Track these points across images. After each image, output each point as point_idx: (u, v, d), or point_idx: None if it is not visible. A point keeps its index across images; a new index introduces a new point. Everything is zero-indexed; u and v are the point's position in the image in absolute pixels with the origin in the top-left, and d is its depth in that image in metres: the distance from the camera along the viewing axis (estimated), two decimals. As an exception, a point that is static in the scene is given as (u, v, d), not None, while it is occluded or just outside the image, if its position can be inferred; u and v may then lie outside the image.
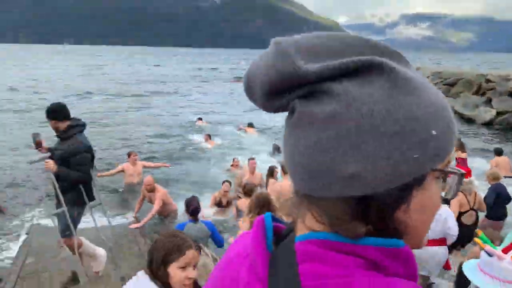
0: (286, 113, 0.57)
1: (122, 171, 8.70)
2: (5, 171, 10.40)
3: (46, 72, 45.27)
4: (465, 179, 4.58)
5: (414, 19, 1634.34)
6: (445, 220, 4.40)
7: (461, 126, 17.22)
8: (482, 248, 1.94)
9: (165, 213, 7.11)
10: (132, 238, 5.95)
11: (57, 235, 4.38)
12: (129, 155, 8.90)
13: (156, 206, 6.63)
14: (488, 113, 17.51)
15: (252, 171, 7.88)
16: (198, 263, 1.92)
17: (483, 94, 19.51)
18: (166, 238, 1.88)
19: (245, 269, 0.58)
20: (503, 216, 6.37)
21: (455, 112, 18.99)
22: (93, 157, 4.36)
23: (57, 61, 70.03)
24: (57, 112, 4.20)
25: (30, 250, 5.52)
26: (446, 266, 4.81)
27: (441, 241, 4.50)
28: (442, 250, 4.54)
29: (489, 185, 6.49)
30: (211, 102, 25.22)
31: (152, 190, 6.82)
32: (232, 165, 9.96)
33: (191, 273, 1.82)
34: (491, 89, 19.21)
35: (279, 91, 0.53)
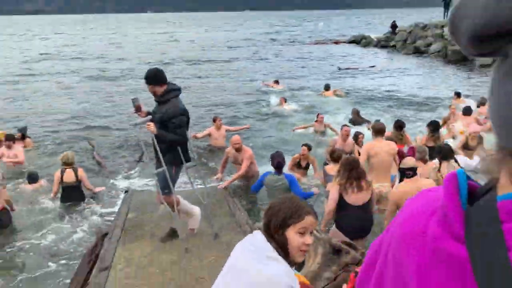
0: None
1: (209, 134, 9.10)
2: (108, 133, 11.37)
3: (130, 40, 47.85)
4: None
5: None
6: None
7: None
8: None
9: (250, 173, 7.06)
10: (221, 198, 6.20)
11: (156, 192, 4.69)
12: (214, 120, 9.28)
13: (244, 166, 6.75)
14: None
15: (345, 139, 7.67)
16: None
17: None
18: (284, 202, 1.86)
19: (434, 224, 0.54)
20: None
21: None
22: (188, 120, 4.53)
23: (140, 30, 73.40)
24: (155, 77, 4.39)
25: (130, 206, 6.00)
26: None
27: None
28: None
29: None
30: (289, 66, 25.09)
31: (239, 149, 6.90)
32: (316, 121, 10.05)
33: (308, 239, 1.80)
34: None
35: (491, 35, 0.47)
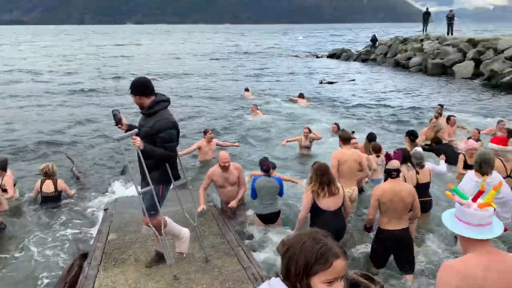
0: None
1: (199, 148, 8.71)
2: (89, 147, 10.84)
3: (112, 52, 47.13)
4: (502, 147, 5.37)
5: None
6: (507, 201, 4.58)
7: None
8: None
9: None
10: (210, 217, 5.83)
11: (141, 212, 4.29)
12: (205, 132, 8.84)
13: (243, 188, 6.03)
14: None
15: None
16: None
17: None
18: (304, 242, 1.45)
19: None
20: None
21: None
22: (178, 133, 4.17)
23: (122, 41, 72.62)
24: (142, 87, 4.03)
25: (111, 226, 5.57)
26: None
27: None
28: None
29: None
30: (270, 78, 25.05)
31: (227, 168, 5.86)
32: (304, 134, 9.44)
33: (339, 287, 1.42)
34: None
35: None
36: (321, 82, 22.83)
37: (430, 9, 32.06)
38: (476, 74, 21.59)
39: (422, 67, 25.64)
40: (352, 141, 6.97)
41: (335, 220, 4.58)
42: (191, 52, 47.59)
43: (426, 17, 31.40)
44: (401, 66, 27.94)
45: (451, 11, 29.85)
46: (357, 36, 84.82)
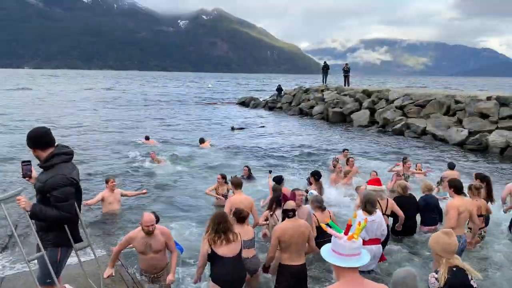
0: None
1: (102, 199, 8.03)
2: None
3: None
4: (377, 187, 6.57)
5: (372, 43, 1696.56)
6: (380, 224, 5.52)
7: (435, 146, 17.51)
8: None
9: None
10: (119, 278, 5.28)
11: (35, 283, 3.70)
12: (107, 181, 8.20)
13: (174, 254, 5.12)
14: (459, 133, 17.84)
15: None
16: None
17: (453, 114, 19.98)
18: None
19: None
20: (434, 221, 7.39)
21: (428, 133, 19.31)
22: (79, 191, 3.75)
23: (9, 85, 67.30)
24: (36, 139, 3.61)
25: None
26: (382, 259, 5.93)
27: (376, 241, 5.60)
28: (378, 247, 5.63)
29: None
30: (178, 126, 24.81)
31: (152, 233, 4.96)
32: (218, 182, 9.26)
33: None
34: (461, 109, 19.72)
35: None
36: (232, 129, 23.18)
37: (327, 62, 35.05)
38: (372, 122, 23.66)
39: (324, 115, 27.47)
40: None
41: (233, 266, 4.66)
42: (89, 98, 45.53)
43: (325, 69, 34.20)
44: (305, 114, 29.67)
45: (346, 64, 32.85)
46: (264, 85, 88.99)
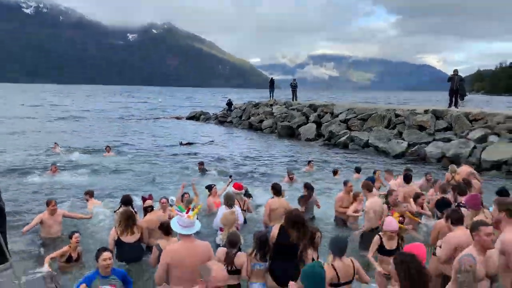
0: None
1: (41, 222, 7.51)
2: None
3: None
4: (238, 190, 8.36)
5: (320, 59, 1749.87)
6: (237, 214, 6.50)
7: (376, 158, 18.28)
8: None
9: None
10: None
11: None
12: (47, 204, 7.58)
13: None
14: (399, 145, 18.78)
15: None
16: None
17: (394, 127, 21.02)
18: None
19: None
20: None
21: (371, 145, 20.15)
22: (1, 213, 3.52)
23: None
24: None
25: None
26: None
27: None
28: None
29: None
30: (125, 140, 24.20)
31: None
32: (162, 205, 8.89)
33: None
34: (401, 122, 20.80)
35: None
36: (181, 144, 22.91)
37: (275, 78, 35.81)
38: (318, 135, 24.35)
39: (273, 129, 27.92)
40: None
41: (133, 248, 6.44)
42: (33, 113, 43.49)
43: (271, 84, 34.98)
44: (254, 128, 29.99)
45: (294, 80, 33.72)
46: (214, 99, 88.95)
